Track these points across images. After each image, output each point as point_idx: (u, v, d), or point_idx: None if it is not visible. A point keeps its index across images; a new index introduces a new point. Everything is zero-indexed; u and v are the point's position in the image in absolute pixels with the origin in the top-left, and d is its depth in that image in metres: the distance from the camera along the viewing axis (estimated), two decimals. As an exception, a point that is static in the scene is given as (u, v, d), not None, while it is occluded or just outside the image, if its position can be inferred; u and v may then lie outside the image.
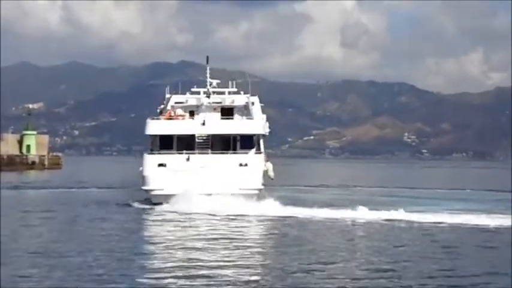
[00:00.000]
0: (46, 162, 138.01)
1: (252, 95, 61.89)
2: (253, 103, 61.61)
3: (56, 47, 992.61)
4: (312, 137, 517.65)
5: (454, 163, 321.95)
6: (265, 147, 66.99)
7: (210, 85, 57.03)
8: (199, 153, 48.95)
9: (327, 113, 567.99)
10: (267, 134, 66.36)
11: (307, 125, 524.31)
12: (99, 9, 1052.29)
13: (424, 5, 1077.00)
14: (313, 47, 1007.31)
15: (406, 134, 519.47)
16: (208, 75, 55.80)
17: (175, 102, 54.34)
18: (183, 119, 52.13)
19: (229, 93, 58.65)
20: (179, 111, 52.96)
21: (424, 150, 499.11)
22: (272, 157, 79.99)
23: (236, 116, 53.54)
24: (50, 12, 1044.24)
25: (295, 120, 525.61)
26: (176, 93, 56.14)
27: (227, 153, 49.44)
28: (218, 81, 60.74)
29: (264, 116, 65.54)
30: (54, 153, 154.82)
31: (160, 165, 47.74)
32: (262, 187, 48.55)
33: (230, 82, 60.32)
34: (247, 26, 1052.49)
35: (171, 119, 51.99)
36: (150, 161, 48.31)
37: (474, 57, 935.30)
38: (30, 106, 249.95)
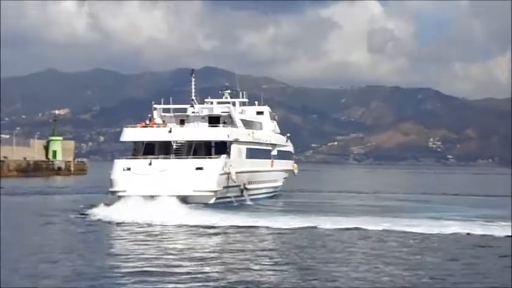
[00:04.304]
0: (72, 168, 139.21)
1: (263, 105, 68.63)
2: (262, 112, 67.87)
3: (82, 53, 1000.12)
4: (336, 143, 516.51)
5: (480, 169, 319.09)
6: (283, 155, 69.92)
7: (222, 96, 65.02)
8: (163, 158, 52.87)
9: (351, 118, 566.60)
10: (286, 144, 70.55)
11: (331, 130, 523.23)
12: (124, 16, 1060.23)
13: (451, 9, 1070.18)
14: (339, 53, 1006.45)
15: (431, 139, 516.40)
16: (193, 87, 60.08)
17: (163, 111, 59.42)
18: (158, 127, 55.88)
19: (242, 104, 65.09)
20: (158, 120, 57.54)
21: (449, 156, 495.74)
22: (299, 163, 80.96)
23: (222, 125, 56.83)
24: (76, 19, 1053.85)
25: (319, 126, 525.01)
26: (167, 103, 60.67)
27: (187, 158, 52.83)
28: (231, 91, 66.73)
29: (275, 123, 70.10)
30: (80, 159, 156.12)
31: (126, 169, 51.87)
32: (219, 189, 51.77)
33: (241, 93, 64.76)
34: (273, 31, 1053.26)
35: (146, 127, 56.11)
36: (118, 165, 52.50)
37: (502, 61, 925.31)
38: (57, 112, 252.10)
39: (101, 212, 44.87)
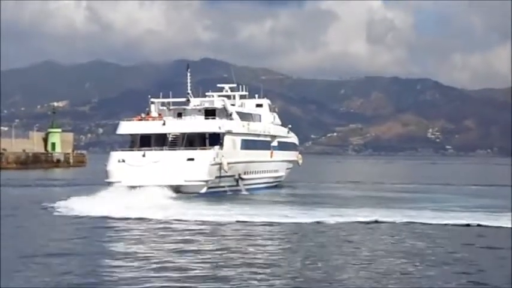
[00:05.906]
0: (71, 160, 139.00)
1: (263, 97, 70.20)
2: (261, 105, 69.50)
3: (81, 45, 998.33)
4: (335, 134, 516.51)
5: (479, 159, 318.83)
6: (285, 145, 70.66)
7: (222, 90, 67.23)
8: (155, 149, 54.87)
9: (350, 109, 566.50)
10: (287, 135, 71.33)
11: (331, 121, 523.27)
12: (123, 7, 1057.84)
13: (451, 2, 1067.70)
14: (339, 44, 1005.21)
15: (430, 130, 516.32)
16: (189, 82, 61.68)
17: (162, 105, 61.21)
18: (153, 120, 57.74)
19: (242, 97, 66.61)
20: (154, 114, 59.42)
21: (448, 147, 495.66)
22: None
23: (217, 118, 58.70)
24: (75, 11, 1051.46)
25: (319, 117, 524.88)
26: (166, 96, 62.43)
27: (179, 149, 54.73)
28: (233, 85, 68.32)
29: (274, 115, 71.43)
30: (79, 151, 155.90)
31: (121, 160, 54.08)
32: (210, 179, 53.72)
33: (241, 86, 66.62)
34: (272, 23, 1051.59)
35: (142, 120, 58.14)
36: (113, 157, 54.71)
37: (501, 52, 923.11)
38: (55, 104, 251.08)
39: (64, 204, 42.90)
